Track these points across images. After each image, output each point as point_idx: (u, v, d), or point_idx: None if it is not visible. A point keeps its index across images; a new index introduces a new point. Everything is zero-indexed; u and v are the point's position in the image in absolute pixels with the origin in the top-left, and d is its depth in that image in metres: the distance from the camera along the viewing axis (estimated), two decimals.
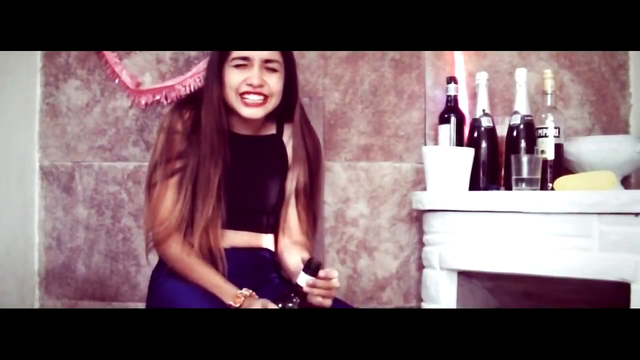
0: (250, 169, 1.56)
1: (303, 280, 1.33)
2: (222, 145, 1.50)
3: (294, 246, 1.56)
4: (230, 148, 1.52)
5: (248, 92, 1.48)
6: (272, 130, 1.61)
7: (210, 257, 1.47)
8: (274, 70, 1.50)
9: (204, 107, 1.50)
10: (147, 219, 1.52)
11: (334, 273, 1.34)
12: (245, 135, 1.57)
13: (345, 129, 2.00)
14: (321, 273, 1.33)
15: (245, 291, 1.38)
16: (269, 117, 1.59)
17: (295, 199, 1.58)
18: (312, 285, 1.32)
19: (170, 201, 1.48)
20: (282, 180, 1.60)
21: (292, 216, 1.58)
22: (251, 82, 1.47)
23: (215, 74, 1.50)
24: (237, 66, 1.48)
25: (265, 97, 1.49)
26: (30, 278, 2.00)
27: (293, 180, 1.58)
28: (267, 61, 1.49)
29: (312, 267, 1.33)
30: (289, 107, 1.57)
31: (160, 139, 1.52)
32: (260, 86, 1.48)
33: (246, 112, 1.50)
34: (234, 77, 1.48)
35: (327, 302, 1.34)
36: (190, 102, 1.54)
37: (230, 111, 1.53)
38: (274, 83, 1.50)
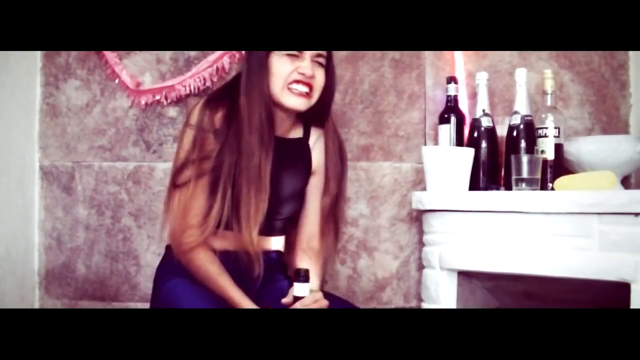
0: (273, 172, 1.50)
1: (298, 290, 1.39)
2: (272, 134, 1.47)
3: (309, 251, 1.58)
4: None
5: (298, 82, 1.46)
6: (299, 133, 1.60)
7: (247, 257, 1.45)
8: (321, 65, 1.50)
9: (246, 97, 1.45)
10: (171, 220, 1.46)
11: (316, 296, 1.41)
12: (274, 137, 1.52)
13: (345, 129, 1.99)
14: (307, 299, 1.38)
15: None
16: (297, 120, 1.57)
17: (319, 204, 1.58)
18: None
19: (202, 205, 1.42)
20: (304, 185, 1.59)
21: (312, 222, 1.59)
22: (304, 71, 1.45)
23: (263, 64, 1.46)
24: (288, 55, 1.46)
25: (311, 90, 1.48)
26: (30, 278, 2.00)
27: (317, 186, 1.58)
28: (318, 55, 1.48)
29: (301, 274, 1.39)
30: (321, 108, 1.54)
31: (187, 137, 1.46)
32: (312, 77, 1.46)
33: (292, 101, 1.46)
34: (284, 67, 1.45)
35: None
36: (221, 99, 1.49)
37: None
38: (320, 77, 1.49)
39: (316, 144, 1.61)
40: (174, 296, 1.40)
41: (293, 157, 1.58)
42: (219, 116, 1.46)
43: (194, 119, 1.46)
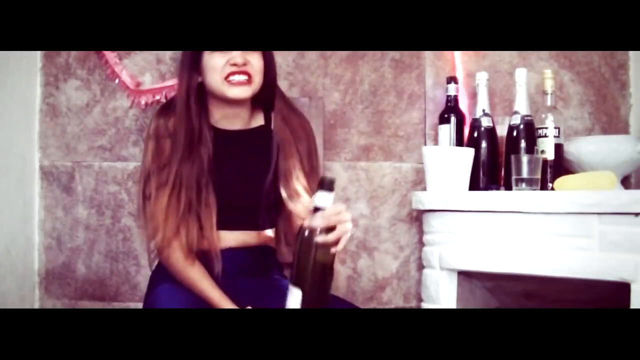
0: (241, 165, 1.52)
1: (320, 199, 1.26)
2: (198, 136, 1.48)
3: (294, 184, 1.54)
4: (218, 145, 1.50)
5: (233, 73, 1.46)
6: (260, 121, 1.59)
7: (205, 259, 1.45)
8: None
9: (176, 102, 1.49)
10: (147, 229, 1.48)
11: (338, 207, 1.28)
12: (234, 131, 1.54)
13: (345, 129, 2.00)
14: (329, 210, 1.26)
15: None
16: (256, 108, 1.57)
17: (290, 159, 1.54)
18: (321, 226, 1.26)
19: (167, 207, 1.44)
20: (275, 169, 1.56)
21: (289, 204, 1.57)
22: (235, 61, 1.45)
23: (190, 65, 1.48)
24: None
25: (250, 76, 1.47)
26: (30, 278, 2.00)
27: (284, 167, 1.55)
28: None
29: (326, 182, 1.26)
30: (267, 90, 1.54)
31: (149, 147, 1.49)
32: (245, 64, 1.46)
33: (233, 92, 1.46)
34: (217, 61, 1.46)
35: (331, 237, 1.26)
36: (174, 106, 1.51)
37: (215, 105, 1.51)
38: (256, 61, 1.48)
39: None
40: (159, 303, 1.40)
41: (259, 147, 1.57)
42: (172, 121, 1.49)
43: (152, 128, 1.50)
